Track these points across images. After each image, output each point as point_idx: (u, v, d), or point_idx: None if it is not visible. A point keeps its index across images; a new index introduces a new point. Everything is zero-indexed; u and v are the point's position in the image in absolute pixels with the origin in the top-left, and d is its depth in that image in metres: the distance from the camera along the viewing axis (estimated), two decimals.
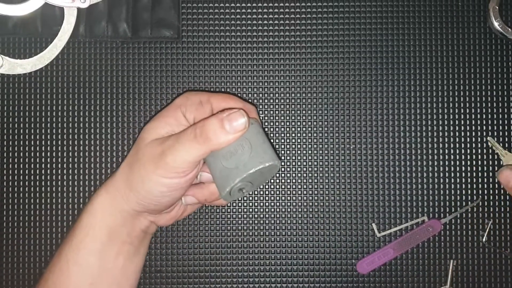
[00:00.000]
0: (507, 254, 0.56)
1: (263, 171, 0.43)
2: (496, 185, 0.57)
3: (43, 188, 0.57)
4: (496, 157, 0.57)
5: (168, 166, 0.43)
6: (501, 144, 0.57)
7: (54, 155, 0.57)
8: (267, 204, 0.57)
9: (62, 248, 0.47)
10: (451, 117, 0.57)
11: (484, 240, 0.56)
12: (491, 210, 0.57)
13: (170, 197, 0.46)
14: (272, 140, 0.57)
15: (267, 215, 0.57)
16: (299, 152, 0.57)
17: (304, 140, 0.57)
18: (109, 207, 0.47)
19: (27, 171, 0.57)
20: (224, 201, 0.49)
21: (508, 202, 0.57)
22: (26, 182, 0.57)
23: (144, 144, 0.46)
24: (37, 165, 0.57)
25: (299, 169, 0.57)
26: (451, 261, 0.56)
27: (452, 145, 0.57)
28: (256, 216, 0.57)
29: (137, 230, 0.48)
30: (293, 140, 0.57)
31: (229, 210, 0.57)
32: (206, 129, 0.43)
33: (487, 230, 0.56)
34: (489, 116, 0.57)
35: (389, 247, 0.56)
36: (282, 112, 0.57)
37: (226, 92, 0.57)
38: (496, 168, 0.57)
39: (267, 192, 0.57)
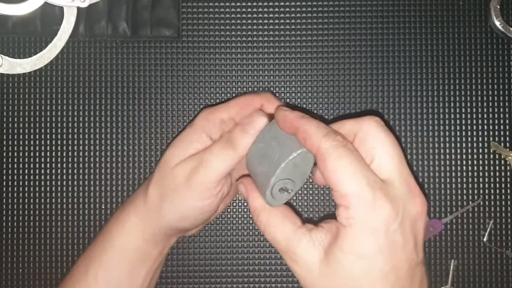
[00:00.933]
0: (508, 254, 0.56)
1: (296, 163, 0.40)
2: (497, 184, 0.57)
3: (42, 188, 0.57)
4: (497, 157, 0.57)
5: (201, 183, 0.42)
6: (502, 145, 0.57)
7: (53, 154, 0.57)
8: None
9: (89, 265, 0.47)
10: (452, 117, 0.57)
11: (485, 239, 0.56)
12: (492, 210, 0.56)
13: (206, 216, 0.46)
14: None
15: None
16: None
17: None
18: (142, 232, 0.46)
19: (26, 170, 0.57)
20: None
21: (509, 202, 0.56)
22: (26, 182, 0.57)
23: (171, 168, 0.44)
24: (37, 164, 0.57)
25: None
26: (452, 261, 0.56)
27: (453, 145, 0.57)
28: None
29: (168, 247, 0.49)
30: None
31: (229, 210, 0.57)
32: (233, 135, 0.43)
33: (489, 230, 0.56)
34: (490, 116, 0.57)
35: None
36: None
37: (227, 92, 0.57)
38: (497, 168, 0.57)
39: None
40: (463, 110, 0.57)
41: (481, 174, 0.57)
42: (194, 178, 0.42)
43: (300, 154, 0.39)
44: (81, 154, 0.57)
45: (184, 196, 0.43)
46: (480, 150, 0.57)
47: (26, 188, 0.57)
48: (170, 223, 0.45)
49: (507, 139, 0.57)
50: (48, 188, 0.57)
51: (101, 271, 0.46)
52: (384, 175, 0.36)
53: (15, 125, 0.57)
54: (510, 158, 0.56)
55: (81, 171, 0.57)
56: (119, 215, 0.48)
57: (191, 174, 0.43)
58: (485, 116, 0.57)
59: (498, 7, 0.56)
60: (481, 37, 0.57)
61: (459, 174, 0.57)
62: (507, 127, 0.57)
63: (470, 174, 0.57)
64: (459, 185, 0.57)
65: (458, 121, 0.57)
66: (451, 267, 0.56)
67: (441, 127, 0.57)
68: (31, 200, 0.57)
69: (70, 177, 0.57)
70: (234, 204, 0.57)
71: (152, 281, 0.49)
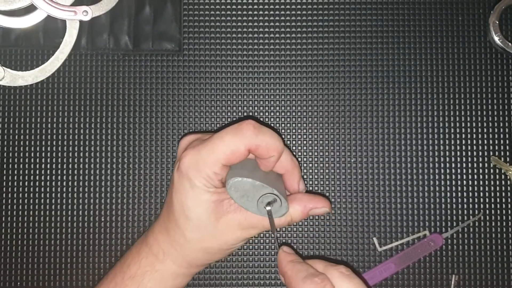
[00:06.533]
0: None
1: (246, 194, 0.44)
2: (498, 199, 0.56)
3: (42, 200, 0.57)
4: (498, 171, 0.57)
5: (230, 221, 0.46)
6: (502, 159, 0.57)
7: (54, 167, 0.57)
8: None
9: None
10: (452, 131, 0.57)
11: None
12: (493, 224, 0.56)
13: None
14: None
15: None
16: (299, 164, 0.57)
17: (305, 153, 0.57)
18: (179, 274, 0.48)
19: (26, 182, 0.57)
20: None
21: (510, 217, 0.56)
22: (25, 194, 0.57)
23: (214, 226, 0.46)
24: (37, 177, 0.57)
25: None
26: (453, 276, 0.56)
27: (453, 159, 0.57)
28: None
29: None
30: (293, 153, 0.57)
31: None
32: None
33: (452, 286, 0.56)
34: (490, 130, 0.57)
35: (390, 261, 0.56)
36: (283, 124, 0.57)
37: (227, 105, 0.57)
38: (498, 182, 0.57)
39: None
40: (463, 124, 0.57)
41: (481, 188, 0.57)
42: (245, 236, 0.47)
43: (233, 183, 0.43)
44: (81, 166, 0.57)
45: (227, 244, 0.47)
46: (481, 165, 0.57)
47: (26, 200, 0.56)
48: (212, 261, 0.49)
49: (507, 153, 0.57)
50: (47, 200, 0.57)
51: None
52: None
53: (16, 137, 0.57)
54: (510, 172, 0.56)
55: (81, 183, 0.57)
56: (149, 261, 0.47)
57: (240, 235, 0.46)
58: (485, 130, 0.57)
59: (497, 22, 0.56)
60: (480, 52, 0.57)
61: (459, 188, 0.57)
62: (507, 142, 0.57)
63: (470, 188, 0.57)
64: (459, 200, 0.57)
65: (458, 136, 0.57)
66: (452, 282, 0.56)
67: (441, 141, 0.57)
68: (31, 213, 0.56)
69: (70, 189, 0.57)
70: None
71: None
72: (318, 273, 0.41)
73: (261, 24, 0.58)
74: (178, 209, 0.45)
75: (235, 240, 0.46)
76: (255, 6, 0.58)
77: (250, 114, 0.57)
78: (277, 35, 0.58)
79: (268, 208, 0.44)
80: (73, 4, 0.55)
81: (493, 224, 0.56)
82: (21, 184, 0.57)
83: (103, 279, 0.50)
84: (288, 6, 0.58)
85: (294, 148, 0.57)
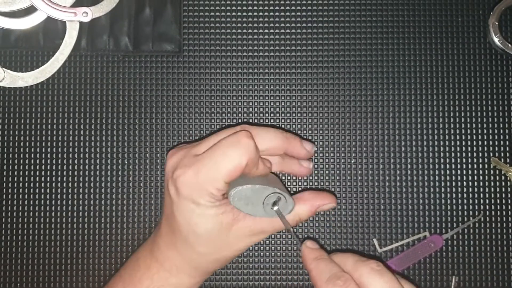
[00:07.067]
0: None
1: (250, 201, 0.44)
2: (498, 200, 0.56)
3: (42, 201, 0.57)
4: (498, 172, 0.57)
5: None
6: (502, 160, 0.57)
7: (54, 168, 0.57)
8: None
9: None
10: (452, 132, 0.57)
11: None
12: (493, 225, 0.56)
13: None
14: None
15: None
16: None
17: None
18: (191, 285, 0.48)
19: (26, 184, 0.57)
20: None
21: (510, 218, 0.56)
22: (26, 195, 0.57)
23: (226, 236, 0.45)
24: (37, 178, 0.57)
25: (299, 183, 0.57)
26: (453, 277, 0.56)
27: (453, 161, 0.57)
28: None
29: None
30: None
31: None
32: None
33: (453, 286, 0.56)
34: (490, 131, 0.57)
35: (391, 262, 0.56)
36: (283, 125, 0.57)
37: (227, 106, 0.57)
38: (498, 183, 0.57)
39: None
40: (463, 125, 0.57)
41: (481, 190, 0.57)
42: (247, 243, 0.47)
43: (234, 194, 0.43)
44: (81, 167, 0.57)
45: (232, 249, 0.47)
46: (481, 166, 0.57)
47: (26, 202, 0.56)
48: (223, 266, 0.49)
49: (507, 154, 0.57)
50: (48, 202, 0.57)
51: None
52: None
53: (16, 138, 0.57)
54: (510, 173, 0.56)
55: (81, 184, 0.57)
56: (162, 276, 0.47)
57: (243, 242, 0.46)
58: (485, 131, 0.57)
59: (497, 23, 0.56)
60: (480, 53, 0.57)
61: (459, 189, 0.57)
62: (507, 143, 0.57)
63: (470, 190, 0.57)
64: (459, 201, 0.57)
65: (458, 137, 0.57)
66: (452, 284, 0.56)
67: (441, 143, 0.57)
68: (31, 214, 0.56)
69: (70, 190, 0.57)
70: None
71: None
72: (341, 274, 0.39)
73: (261, 25, 0.58)
74: (185, 226, 0.44)
75: (246, 246, 0.46)
76: (255, 8, 0.58)
77: (250, 115, 0.57)
78: (277, 36, 0.58)
79: (275, 208, 0.44)
80: (73, 5, 0.55)
81: (493, 225, 0.56)
82: (21, 185, 0.57)
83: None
84: (288, 7, 0.58)
85: None
